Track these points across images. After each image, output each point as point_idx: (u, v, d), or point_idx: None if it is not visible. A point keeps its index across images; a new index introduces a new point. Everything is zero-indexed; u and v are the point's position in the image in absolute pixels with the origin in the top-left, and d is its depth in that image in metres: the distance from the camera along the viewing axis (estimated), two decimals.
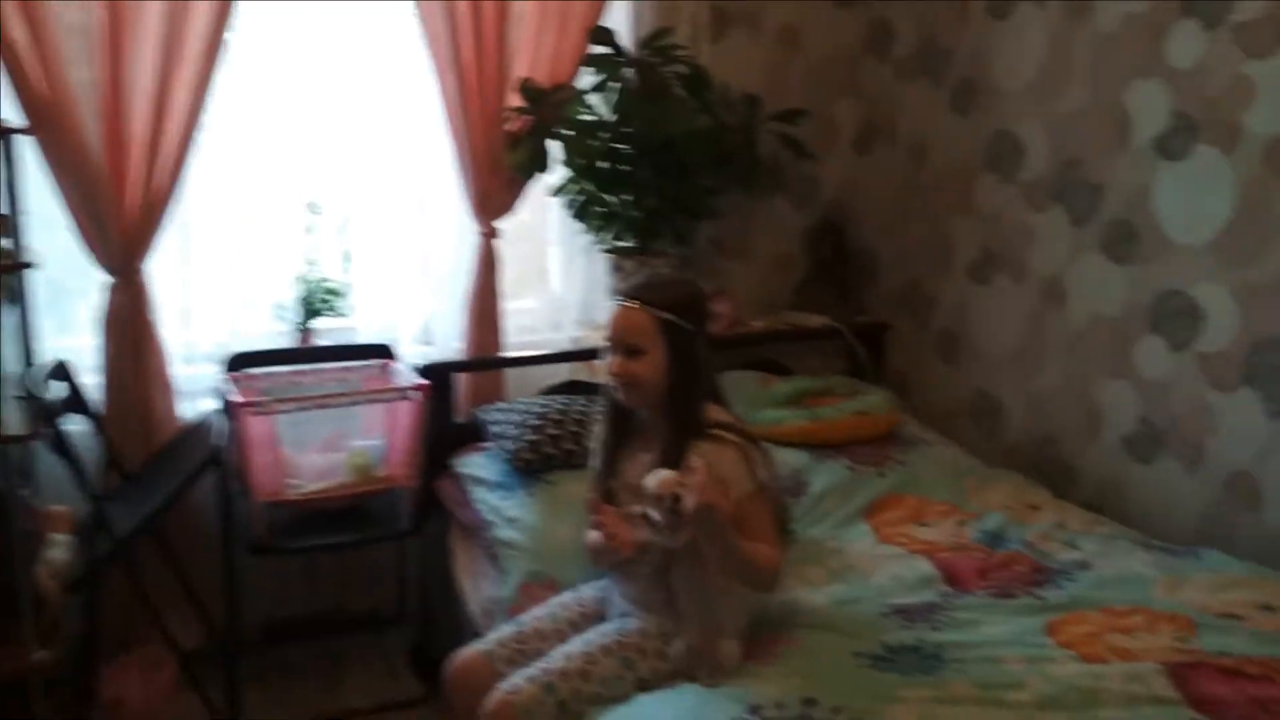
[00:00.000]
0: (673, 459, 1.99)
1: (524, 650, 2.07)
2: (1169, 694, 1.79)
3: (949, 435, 3.06)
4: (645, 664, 1.97)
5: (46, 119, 2.53)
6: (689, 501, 1.81)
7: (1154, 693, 1.79)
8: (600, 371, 2.87)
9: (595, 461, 2.18)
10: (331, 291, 3.02)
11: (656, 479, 1.86)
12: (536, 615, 2.17)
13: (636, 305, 2.03)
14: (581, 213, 3.07)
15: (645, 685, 1.95)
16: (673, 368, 2.02)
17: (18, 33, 2.47)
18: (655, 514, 1.86)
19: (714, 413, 2.06)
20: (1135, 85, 2.58)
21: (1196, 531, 2.50)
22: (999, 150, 2.98)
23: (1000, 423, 3.05)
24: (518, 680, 1.94)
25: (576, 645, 2.00)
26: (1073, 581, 2.23)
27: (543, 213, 3.31)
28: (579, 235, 3.19)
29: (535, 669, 1.96)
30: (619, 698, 1.92)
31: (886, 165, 3.41)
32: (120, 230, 2.65)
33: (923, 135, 3.26)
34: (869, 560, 2.38)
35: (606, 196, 3.05)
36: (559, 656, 1.98)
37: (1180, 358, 2.53)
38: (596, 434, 2.20)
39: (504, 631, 2.14)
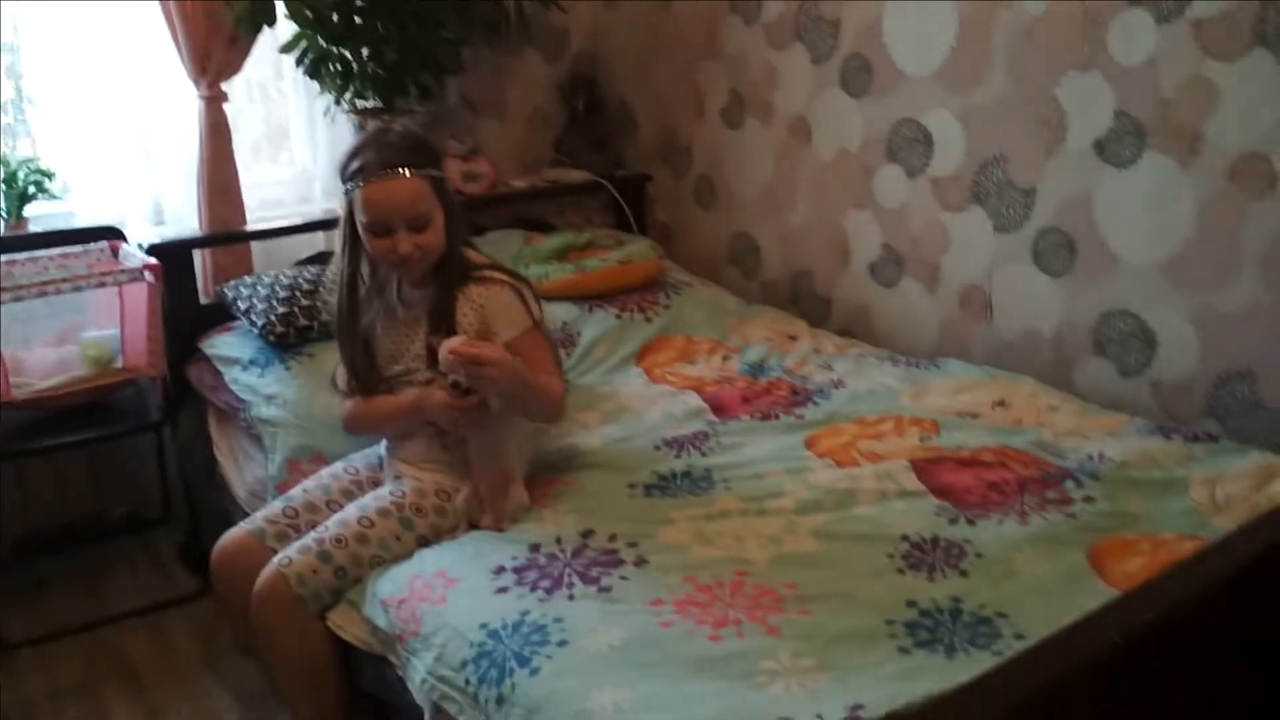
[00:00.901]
0: (446, 312, 1.96)
1: (295, 525, 1.99)
2: (915, 486, 1.93)
3: (711, 278, 3.14)
4: (424, 521, 1.94)
5: None
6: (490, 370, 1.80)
7: (902, 487, 1.93)
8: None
9: (347, 351, 2.06)
10: (42, 172, 2.71)
11: (444, 351, 1.81)
12: (306, 488, 2.09)
13: (409, 174, 1.89)
14: (315, 70, 2.88)
15: (425, 543, 1.92)
16: (450, 223, 1.95)
17: None
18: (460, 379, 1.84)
19: (475, 257, 2.02)
20: None
21: (937, 344, 2.69)
22: None
23: (758, 262, 3.15)
24: (290, 552, 1.86)
25: (351, 510, 1.94)
26: (828, 399, 2.36)
27: (278, 75, 3.09)
28: (318, 96, 3.00)
29: (308, 539, 1.89)
30: (400, 558, 1.89)
31: (633, 12, 3.36)
32: None
33: None
34: (640, 400, 2.42)
35: (342, 51, 2.86)
36: (333, 524, 1.92)
37: (916, 184, 2.66)
38: (338, 326, 2.06)
39: (273, 508, 2.05)
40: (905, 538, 1.78)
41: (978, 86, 2.47)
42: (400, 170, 1.90)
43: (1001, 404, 2.27)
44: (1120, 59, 2.21)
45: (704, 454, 2.12)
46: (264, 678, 2.25)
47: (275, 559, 1.86)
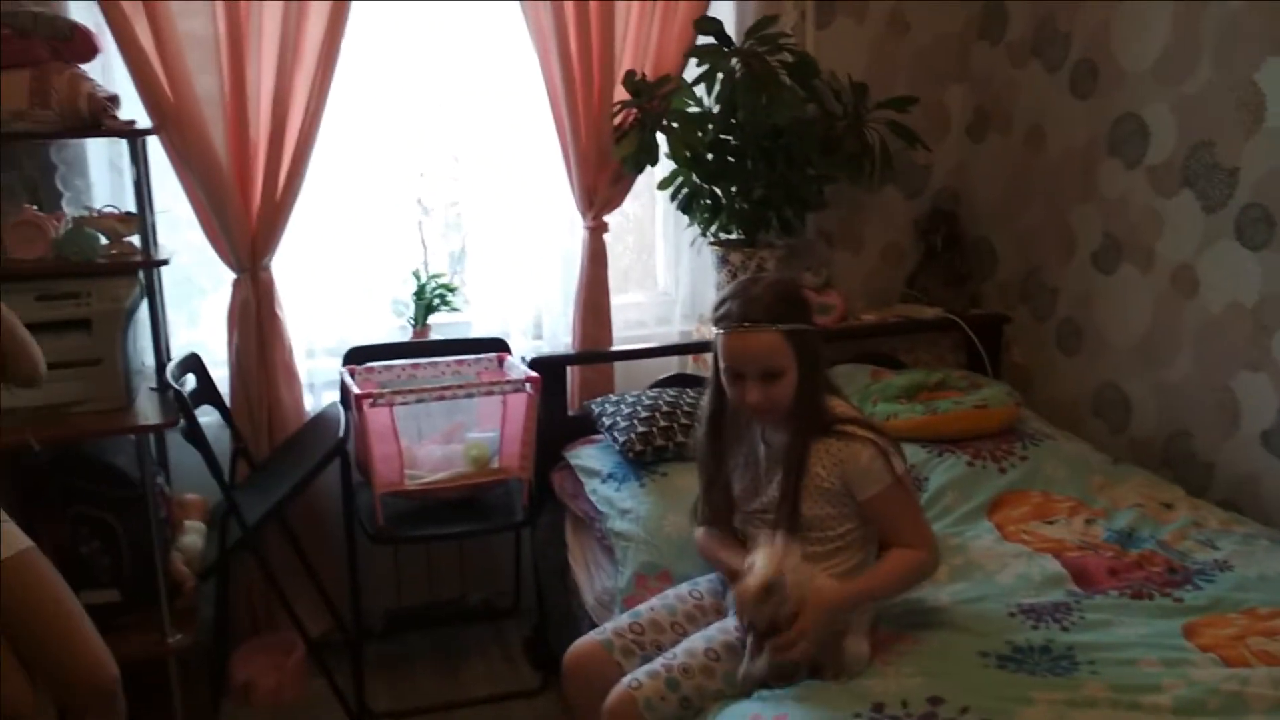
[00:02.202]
0: (796, 464, 1.99)
1: (641, 641, 2.07)
2: None
3: (1072, 430, 2.97)
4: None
5: (172, 120, 2.62)
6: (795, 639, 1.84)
7: None
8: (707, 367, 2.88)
9: (705, 481, 2.15)
10: (446, 287, 3.07)
11: (740, 592, 1.86)
12: (653, 606, 2.17)
13: (763, 328, 1.94)
14: (688, 205, 3.06)
15: (765, 683, 1.93)
16: (804, 375, 1.98)
17: (143, 37, 2.56)
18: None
19: (838, 407, 2.04)
20: (1268, 62, 2.46)
21: None
22: (1122, 134, 2.87)
23: (1127, 417, 2.94)
24: (640, 675, 1.94)
25: (698, 641, 1.99)
26: (1212, 582, 2.14)
27: (650, 206, 3.32)
28: (685, 229, 3.19)
29: (657, 664, 1.95)
30: (742, 696, 1.90)
31: (1001, 150, 3.31)
32: (245, 228, 2.73)
33: (1039, 120, 3.16)
34: (993, 558, 2.31)
35: (713, 188, 3.03)
36: (681, 652, 1.97)
37: None
38: (701, 458, 2.15)
39: (621, 621, 2.14)
40: None
41: None
42: (758, 324, 1.95)
43: None
44: None
45: (1065, 629, 1.98)
46: None
47: (625, 680, 1.93)
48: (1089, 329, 3.06)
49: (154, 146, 2.65)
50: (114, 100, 2.51)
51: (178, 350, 2.77)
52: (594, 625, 2.25)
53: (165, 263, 2.60)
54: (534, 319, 3.20)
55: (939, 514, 2.51)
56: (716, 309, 2.03)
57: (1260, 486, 2.57)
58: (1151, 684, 1.77)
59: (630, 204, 3.19)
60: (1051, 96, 3.10)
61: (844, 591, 1.92)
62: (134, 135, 2.53)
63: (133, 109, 2.59)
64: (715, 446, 2.12)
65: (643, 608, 2.18)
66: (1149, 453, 2.86)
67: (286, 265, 2.88)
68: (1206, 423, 2.71)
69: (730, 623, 2.03)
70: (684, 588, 2.23)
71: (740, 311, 1.97)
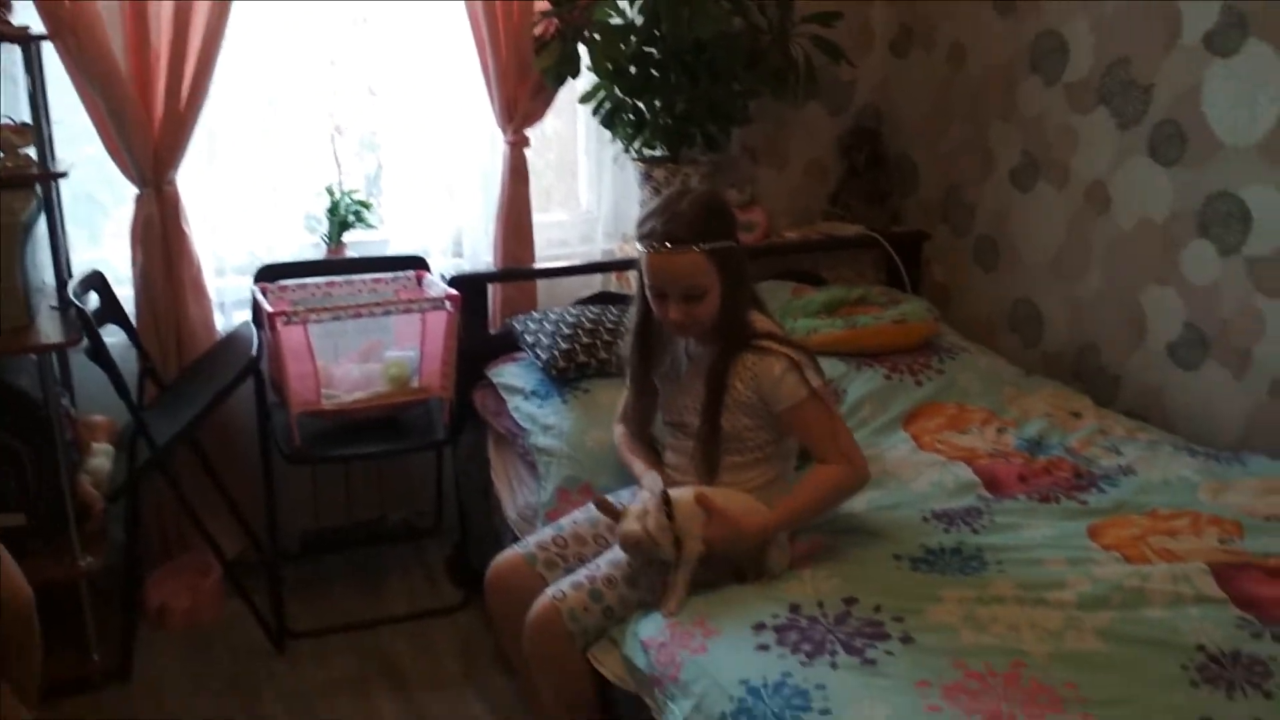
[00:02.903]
0: (717, 378, 2.00)
1: (564, 554, 2.08)
2: (1214, 593, 1.78)
3: (988, 344, 3.02)
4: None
5: (69, 26, 2.48)
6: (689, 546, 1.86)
7: (1199, 592, 1.78)
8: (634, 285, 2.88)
9: (632, 389, 2.17)
10: (361, 204, 2.98)
11: (621, 533, 1.88)
12: (575, 519, 2.17)
13: (685, 249, 1.91)
14: (610, 120, 3.01)
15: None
16: (727, 292, 1.97)
17: None
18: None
19: (759, 322, 2.04)
20: None
21: (1242, 437, 2.46)
22: (1043, 51, 2.88)
23: (1040, 330, 3.01)
24: (564, 586, 1.94)
25: (621, 552, 2.00)
26: (1116, 486, 2.21)
27: (572, 124, 3.26)
28: (608, 144, 3.14)
29: (580, 575, 1.96)
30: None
31: (925, 67, 3.31)
32: (147, 140, 2.61)
33: (961, 36, 3.16)
34: (908, 467, 2.36)
35: (636, 102, 2.98)
36: (604, 563, 1.98)
37: (1228, 262, 2.47)
38: (629, 368, 2.16)
39: (543, 534, 2.15)
40: (1201, 648, 1.65)
41: None
42: (682, 244, 1.92)
43: None
44: None
45: (976, 532, 2.04)
46: (521, 694, 2.34)
47: (549, 591, 1.94)
48: (1005, 246, 3.10)
49: (49, 54, 2.51)
50: (4, 4, 2.37)
51: (79, 269, 2.66)
52: (516, 541, 2.25)
53: (63, 175, 2.48)
54: (454, 237, 3.13)
55: (857, 425, 2.53)
56: (641, 225, 2.00)
57: (1164, 397, 2.65)
58: (1057, 581, 1.83)
59: (552, 121, 3.13)
60: (974, 12, 3.10)
61: (769, 520, 1.92)
62: (28, 41, 2.39)
63: (26, 14, 2.45)
64: (642, 358, 2.12)
65: (565, 521, 2.18)
66: (1060, 365, 2.93)
67: (193, 181, 2.77)
68: (1115, 336, 2.78)
69: None
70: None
71: (664, 230, 1.94)
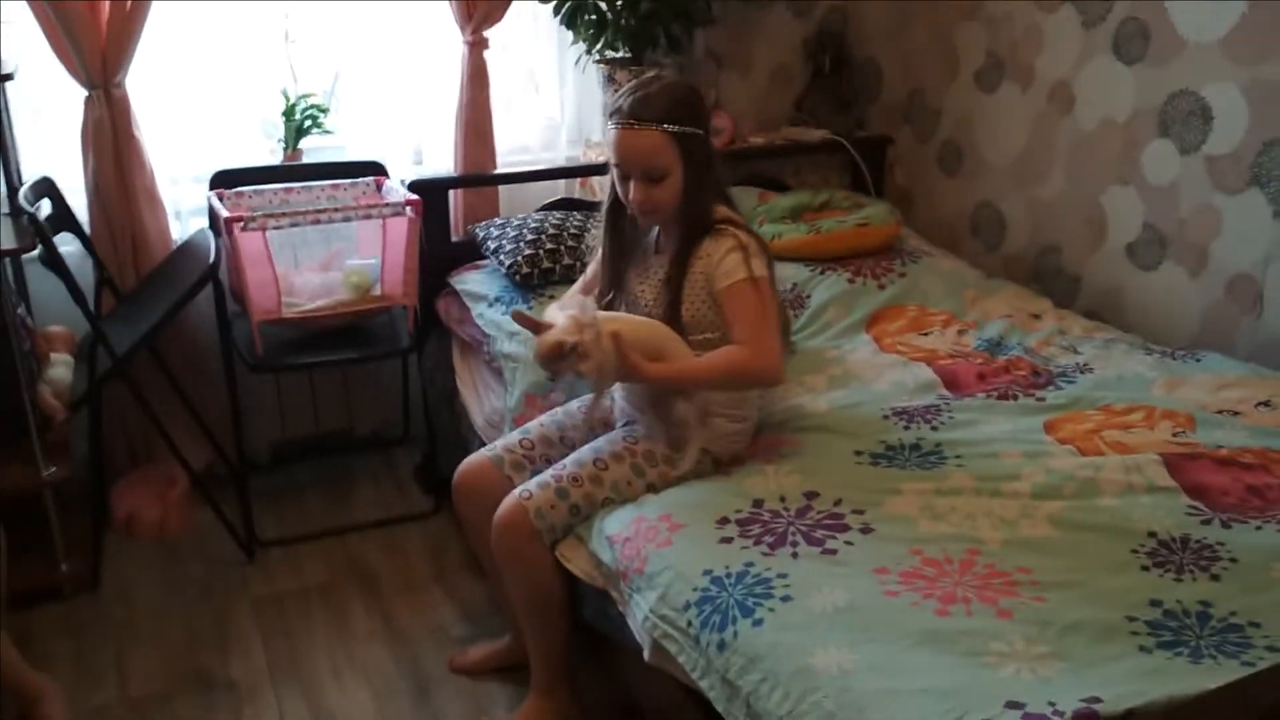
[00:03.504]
0: (678, 263, 2.00)
1: (531, 456, 2.09)
2: (1166, 483, 1.82)
3: (950, 247, 3.04)
4: (654, 470, 1.99)
5: None
6: (585, 364, 1.86)
7: (1151, 482, 1.82)
8: (599, 190, 2.86)
9: (597, 272, 2.17)
10: (317, 108, 2.92)
11: (537, 344, 1.89)
12: (542, 422, 2.18)
13: (649, 127, 1.93)
14: (571, 19, 2.95)
15: (654, 490, 1.98)
16: (690, 179, 1.97)
17: None
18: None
19: (721, 212, 2.03)
20: None
21: (1197, 335, 2.51)
22: None
23: (1002, 234, 3.02)
24: (530, 485, 1.96)
25: (587, 452, 2.02)
26: (1072, 383, 2.25)
27: (533, 26, 3.19)
28: (570, 48, 3.08)
29: (547, 475, 1.98)
30: (629, 502, 1.95)
31: None
32: (94, 40, 2.53)
33: None
34: (869, 368, 2.38)
35: (598, 2, 2.92)
36: (570, 463, 2.00)
37: (1188, 161, 2.48)
38: (599, 249, 2.16)
39: (510, 438, 2.16)
40: (1152, 534, 1.69)
41: (1268, 58, 2.26)
42: (645, 123, 1.93)
43: (1267, 404, 2.10)
44: None
45: (935, 428, 2.07)
46: (491, 596, 2.38)
47: (517, 491, 1.96)
48: (969, 149, 3.10)
49: None
50: None
51: (29, 177, 2.59)
52: (484, 446, 2.26)
53: (9, 77, 2.41)
54: (414, 145, 3.08)
55: (820, 329, 2.56)
56: (612, 103, 2.01)
57: (1123, 296, 2.69)
58: (1012, 473, 1.87)
59: (513, 22, 3.05)
60: None
61: (655, 370, 1.93)
62: None
63: None
64: (612, 242, 2.12)
65: (531, 424, 2.19)
66: (1021, 268, 2.96)
67: (144, 86, 2.69)
68: (1076, 237, 2.80)
69: (620, 434, 2.07)
70: (573, 404, 2.24)
71: (630, 108, 1.95)
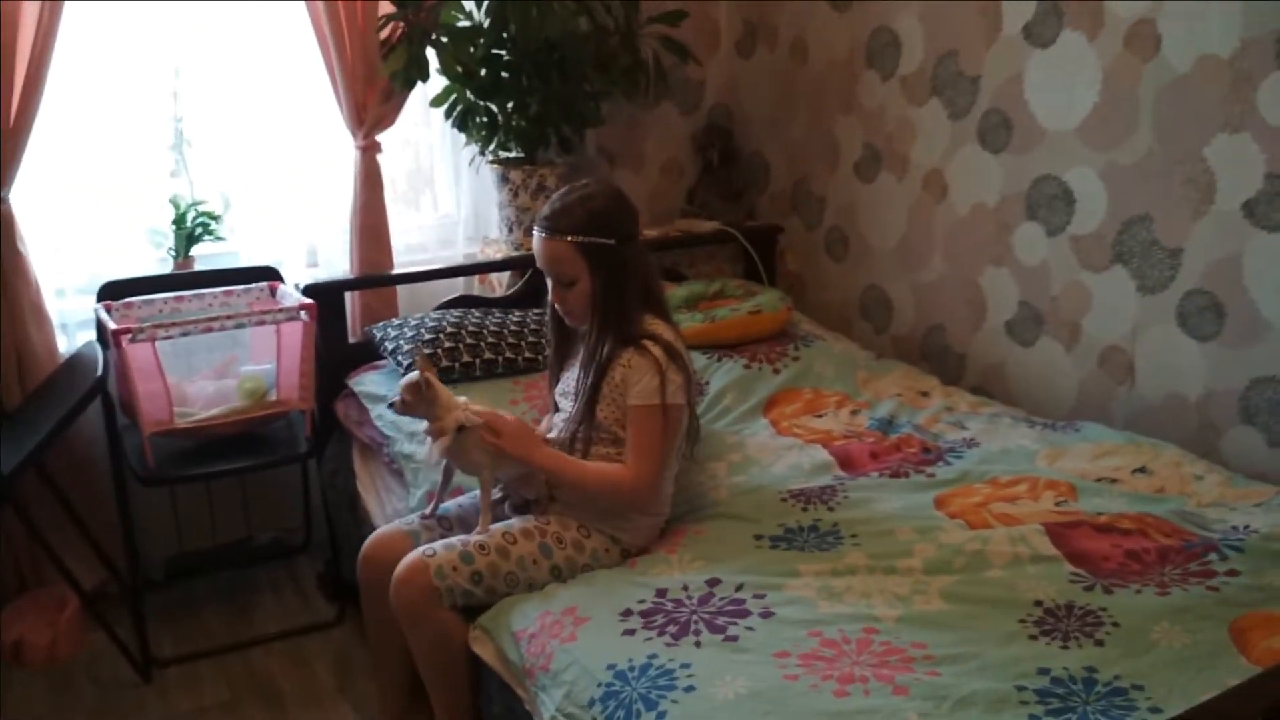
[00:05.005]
0: (597, 368, 2.06)
1: (446, 535, 2.09)
2: (1049, 551, 1.89)
3: (841, 330, 3.14)
4: (561, 553, 2.01)
5: None
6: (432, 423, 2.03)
7: (1036, 551, 1.89)
8: (498, 287, 2.92)
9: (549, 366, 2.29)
10: (208, 215, 2.91)
11: (399, 386, 2.06)
12: (459, 503, 2.20)
13: (557, 237, 2.02)
14: (463, 122, 3.02)
15: (559, 573, 1.99)
16: (600, 287, 2.04)
17: None
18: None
19: (652, 325, 2.09)
20: None
21: (1075, 406, 2.63)
22: (878, 46, 3.01)
23: (890, 316, 3.14)
24: (435, 545, 1.97)
25: (497, 526, 2.04)
26: (960, 458, 2.33)
27: (426, 127, 3.24)
28: (464, 148, 3.14)
29: (454, 539, 2.00)
30: (533, 581, 1.97)
31: (769, 65, 3.41)
32: None
33: (802, 33, 3.27)
34: (767, 452, 2.43)
35: (488, 105, 2.99)
36: (478, 534, 2.01)
37: (1056, 241, 2.62)
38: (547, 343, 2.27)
39: (431, 514, 2.16)
40: (1038, 603, 1.75)
41: (1122, 144, 2.43)
42: (552, 232, 2.03)
43: (1143, 470, 2.20)
44: (1271, 119, 2.15)
45: (831, 509, 2.12)
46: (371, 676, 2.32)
47: (420, 549, 1.97)
48: (853, 235, 3.22)
49: None
50: None
51: None
52: None
53: None
54: (308, 248, 3.09)
55: (719, 414, 2.61)
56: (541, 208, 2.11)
57: (1005, 371, 2.80)
58: (905, 549, 1.93)
59: (404, 124, 3.10)
60: (812, 10, 3.21)
61: (540, 451, 2.04)
62: None
63: None
64: (555, 329, 2.21)
65: (450, 504, 2.20)
66: (909, 347, 3.07)
67: (27, 198, 2.66)
68: (958, 317, 2.92)
69: (531, 519, 2.07)
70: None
71: (544, 216, 2.06)
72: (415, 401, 2.02)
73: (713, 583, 1.87)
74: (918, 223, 2.99)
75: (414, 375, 2.03)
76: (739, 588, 1.84)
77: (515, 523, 2.06)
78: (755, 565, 1.92)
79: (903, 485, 2.21)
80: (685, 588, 1.86)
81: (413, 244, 3.21)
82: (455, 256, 3.21)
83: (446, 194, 3.30)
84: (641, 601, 1.84)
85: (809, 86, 3.28)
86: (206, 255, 2.94)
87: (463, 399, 2.08)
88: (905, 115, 2.96)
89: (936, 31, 2.83)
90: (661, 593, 1.86)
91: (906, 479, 2.25)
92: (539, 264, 2.10)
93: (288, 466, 2.85)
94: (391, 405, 2.07)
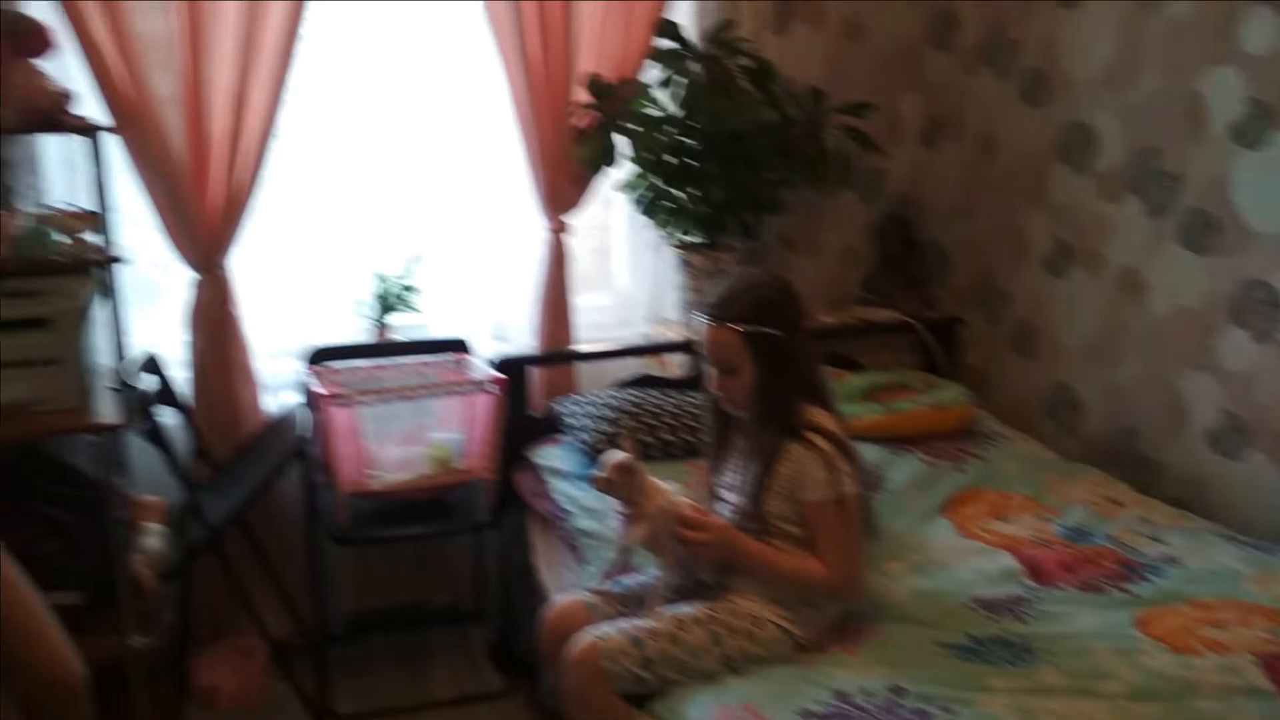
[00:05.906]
0: (763, 460, 2.05)
1: (625, 613, 2.10)
2: (1264, 685, 1.77)
3: (1025, 430, 3.04)
4: (733, 642, 1.99)
5: (131, 119, 2.61)
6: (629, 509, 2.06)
7: (1249, 683, 1.77)
8: (676, 368, 2.96)
9: (708, 458, 2.25)
10: (408, 288, 3.07)
11: (605, 464, 2.07)
12: (640, 580, 2.20)
13: (723, 325, 2.04)
14: (649, 208, 3.10)
15: (730, 662, 1.97)
16: (764, 377, 2.04)
17: (101, 35, 2.54)
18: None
19: (814, 415, 2.07)
20: (1209, 72, 2.54)
21: None
22: (1071, 141, 2.95)
23: (1077, 416, 3.02)
24: (607, 629, 1.98)
25: (669, 611, 2.04)
26: (1161, 576, 2.20)
27: (611, 209, 3.35)
28: (647, 231, 3.22)
29: (626, 624, 2.01)
30: (704, 670, 1.95)
31: (955, 156, 3.39)
32: (203, 227, 2.72)
33: (991, 127, 3.24)
34: (950, 553, 2.36)
35: (674, 191, 3.07)
36: (651, 618, 2.02)
37: (1264, 349, 2.49)
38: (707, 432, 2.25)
39: (606, 588, 2.18)
40: None
41: None
42: (717, 320, 2.05)
43: None
44: None
45: (1021, 620, 2.04)
46: None
47: (594, 630, 1.99)
48: (1041, 331, 3.13)
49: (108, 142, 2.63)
50: (68, 97, 2.48)
51: (134, 351, 2.74)
52: None
53: (124, 261, 2.57)
54: (496, 321, 3.20)
55: (897, 512, 2.55)
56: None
57: (1206, 485, 2.65)
58: (1105, 672, 1.83)
59: (593, 206, 3.21)
60: (1002, 103, 3.18)
61: (741, 539, 2.04)
62: (95, 133, 2.50)
63: (86, 105, 2.57)
64: (715, 416, 2.20)
65: (630, 579, 2.21)
66: (1099, 452, 2.93)
67: (250, 266, 2.86)
68: (1154, 422, 2.79)
69: (703, 605, 2.06)
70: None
71: (711, 304, 2.08)
72: (620, 483, 2.04)
73: (897, 691, 1.82)
74: (1112, 321, 2.89)
75: (625, 456, 2.05)
76: (926, 699, 1.78)
77: (688, 610, 2.05)
78: (942, 676, 1.86)
79: (1099, 601, 2.11)
80: (866, 693, 1.82)
81: (592, 321, 3.29)
82: (632, 335, 3.28)
83: (625, 274, 3.38)
84: (819, 703, 1.80)
85: (996, 179, 3.24)
86: (402, 326, 3.08)
87: (670, 486, 2.09)
88: (1099, 211, 2.89)
89: (1137, 128, 2.76)
90: (842, 696, 1.81)
91: (1102, 594, 2.14)
92: (704, 349, 2.11)
93: (467, 534, 2.94)
94: (594, 481, 2.10)
